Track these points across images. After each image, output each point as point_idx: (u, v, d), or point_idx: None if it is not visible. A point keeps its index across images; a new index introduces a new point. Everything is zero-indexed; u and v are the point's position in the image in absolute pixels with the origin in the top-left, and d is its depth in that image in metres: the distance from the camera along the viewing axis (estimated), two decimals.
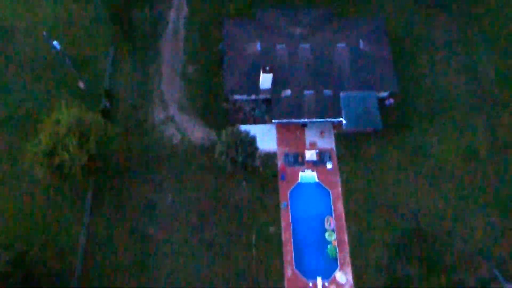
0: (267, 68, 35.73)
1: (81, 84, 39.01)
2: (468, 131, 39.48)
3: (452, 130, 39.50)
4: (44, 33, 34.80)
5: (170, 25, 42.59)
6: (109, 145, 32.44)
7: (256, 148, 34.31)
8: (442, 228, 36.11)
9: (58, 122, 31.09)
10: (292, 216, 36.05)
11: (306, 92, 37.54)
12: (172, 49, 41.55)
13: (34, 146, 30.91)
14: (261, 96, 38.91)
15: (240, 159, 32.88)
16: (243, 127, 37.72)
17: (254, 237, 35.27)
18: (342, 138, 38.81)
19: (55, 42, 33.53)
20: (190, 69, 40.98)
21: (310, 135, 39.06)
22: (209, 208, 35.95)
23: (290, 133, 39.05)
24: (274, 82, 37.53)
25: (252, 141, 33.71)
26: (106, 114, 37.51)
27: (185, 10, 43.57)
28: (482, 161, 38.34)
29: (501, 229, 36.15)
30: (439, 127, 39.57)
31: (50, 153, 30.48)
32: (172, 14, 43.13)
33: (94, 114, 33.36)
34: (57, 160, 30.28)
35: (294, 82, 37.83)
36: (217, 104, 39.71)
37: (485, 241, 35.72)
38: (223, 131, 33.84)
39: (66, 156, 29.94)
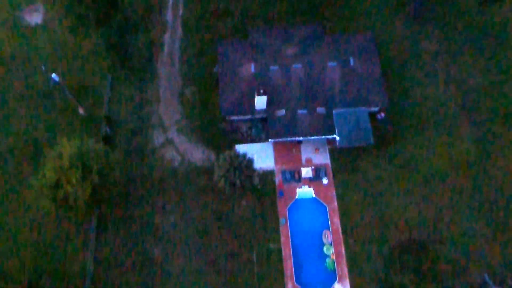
0: (262, 91, 35.22)
1: (81, 111, 38.32)
2: (457, 140, 39.09)
3: (441, 140, 39.07)
4: (43, 67, 34.03)
5: (166, 49, 41.74)
6: (112, 174, 31.90)
7: (254, 170, 33.95)
8: (434, 236, 35.92)
9: (60, 155, 30.48)
10: (291, 232, 35.83)
11: (300, 111, 37.07)
12: (168, 72, 40.76)
13: (38, 180, 30.38)
14: (257, 116, 38.40)
15: (239, 182, 32.54)
16: (241, 148, 37.52)
17: (255, 254, 35.10)
18: (336, 153, 38.40)
19: (53, 75, 32.71)
20: (187, 91, 40.33)
21: (306, 152, 38.67)
22: (211, 228, 35.67)
23: (286, 151, 38.63)
24: (269, 102, 37.01)
25: (249, 164, 33.32)
26: (107, 140, 36.94)
27: (179, 32, 42.68)
28: (471, 169, 38.04)
29: (491, 235, 36.11)
30: (429, 138, 39.12)
31: (55, 186, 29.98)
32: (167, 37, 42.25)
33: (95, 143, 32.79)
34: (61, 193, 29.79)
35: (288, 102, 37.31)
36: (215, 125, 39.14)
37: (476, 248, 35.73)
38: (221, 156, 33.43)
39: (70, 189, 29.46)
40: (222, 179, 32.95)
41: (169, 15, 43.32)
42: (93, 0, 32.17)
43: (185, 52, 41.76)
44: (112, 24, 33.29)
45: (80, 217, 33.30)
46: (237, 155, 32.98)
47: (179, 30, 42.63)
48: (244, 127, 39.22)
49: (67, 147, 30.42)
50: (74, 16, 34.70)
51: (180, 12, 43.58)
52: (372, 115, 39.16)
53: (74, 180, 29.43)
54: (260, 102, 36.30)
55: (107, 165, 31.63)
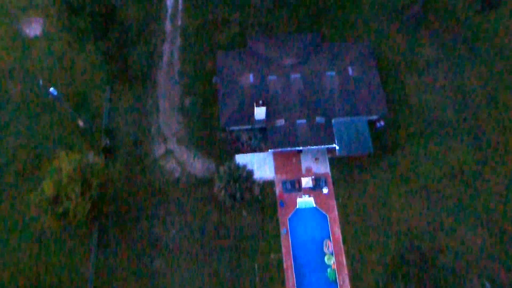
0: (260, 102, 34.62)
1: (81, 123, 37.62)
2: (456, 148, 38.44)
3: (441, 148, 38.43)
4: (41, 81, 33.32)
5: (165, 59, 41.07)
6: (112, 188, 31.24)
7: (253, 182, 33.31)
8: (434, 245, 35.33)
9: (60, 170, 29.81)
10: (292, 242, 35.18)
11: (299, 121, 36.43)
12: (168, 82, 40.12)
13: (37, 196, 29.70)
14: (257, 126, 37.75)
15: (239, 194, 31.89)
16: (241, 158, 36.91)
17: (256, 265, 34.48)
18: (336, 162, 37.77)
19: (51, 89, 31.98)
20: (187, 101, 39.67)
21: (306, 161, 38.02)
22: (212, 239, 34.99)
23: (286, 160, 37.98)
24: (268, 112, 36.40)
25: (249, 176, 32.67)
26: (107, 152, 36.25)
27: (178, 43, 42.00)
28: (470, 177, 37.43)
29: (491, 243, 35.49)
30: (428, 146, 38.46)
31: (54, 201, 29.33)
32: (166, 48, 41.57)
33: (95, 155, 32.18)
34: (61, 208, 29.13)
35: (287, 112, 36.68)
36: (215, 135, 38.46)
37: (476, 256, 35.12)
38: (220, 168, 32.78)
39: (70, 204, 28.78)
40: (222, 191, 32.31)
41: (168, 26, 42.67)
42: (91, 13, 31.49)
43: (184, 62, 41.09)
44: (111, 37, 32.57)
45: (81, 231, 32.63)
46: (237, 167, 32.33)
47: (178, 41, 41.96)
48: (244, 137, 38.56)
49: (66, 162, 29.76)
50: (72, 29, 34.12)
51: (179, 22, 42.94)
52: (372, 124, 38.64)
53: (73, 195, 28.81)
54: (259, 112, 35.69)
55: (107, 179, 31.01)
